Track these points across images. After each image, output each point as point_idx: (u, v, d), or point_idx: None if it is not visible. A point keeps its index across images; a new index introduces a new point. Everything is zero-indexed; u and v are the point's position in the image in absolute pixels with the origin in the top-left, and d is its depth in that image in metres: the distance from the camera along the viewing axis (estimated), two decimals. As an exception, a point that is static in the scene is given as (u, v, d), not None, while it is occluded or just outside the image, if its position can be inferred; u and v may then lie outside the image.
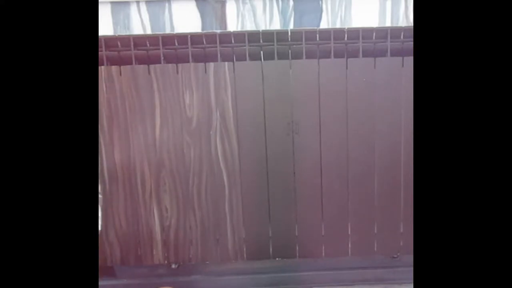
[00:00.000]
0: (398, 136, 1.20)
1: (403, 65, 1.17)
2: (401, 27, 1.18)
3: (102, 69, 1.15)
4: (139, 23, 1.26)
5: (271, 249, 1.24)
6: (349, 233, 1.24)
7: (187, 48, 1.16)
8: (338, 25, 1.28)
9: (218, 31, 1.18)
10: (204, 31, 1.21)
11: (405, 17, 1.28)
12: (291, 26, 1.27)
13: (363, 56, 1.17)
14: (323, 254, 1.25)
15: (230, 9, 1.26)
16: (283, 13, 1.27)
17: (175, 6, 1.26)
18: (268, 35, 1.16)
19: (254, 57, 1.17)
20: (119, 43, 1.16)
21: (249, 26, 1.27)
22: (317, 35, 1.17)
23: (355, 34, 1.16)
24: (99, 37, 1.15)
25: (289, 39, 1.17)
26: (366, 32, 1.16)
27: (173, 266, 1.27)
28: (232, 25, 1.27)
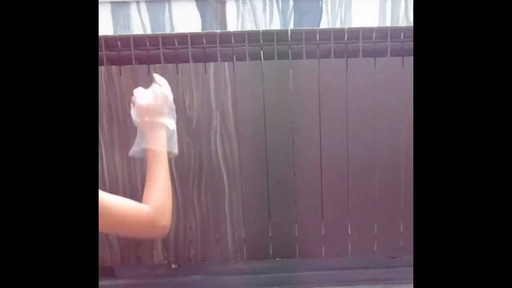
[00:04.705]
0: (398, 136, 1.20)
1: (403, 65, 1.17)
2: (401, 27, 1.18)
3: (102, 69, 1.15)
4: (139, 23, 1.26)
5: (271, 249, 1.24)
6: (349, 233, 1.24)
7: (187, 48, 1.16)
8: (338, 25, 1.28)
9: (218, 31, 1.18)
10: (204, 31, 1.21)
11: (405, 17, 1.28)
12: (291, 26, 1.27)
13: (363, 56, 1.17)
14: (323, 254, 1.25)
15: (230, 9, 1.26)
16: (283, 13, 1.27)
17: (175, 6, 1.25)
18: (268, 35, 1.16)
19: (254, 57, 1.17)
20: (119, 43, 1.16)
21: (249, 26, 1.27)
22: (317, 35, 1.17)
23: (355, 34, 1.16)
24: (99, 37, 1.15)
25: (289, 39, 1.17)
26: (366, 32, 1.16)
27: (173, 266, 1.27)
28: (232, 25, 1.27)
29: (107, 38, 1.16)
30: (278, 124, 1.19)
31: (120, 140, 1.19)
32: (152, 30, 1.26)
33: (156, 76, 0.82)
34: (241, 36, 1.16)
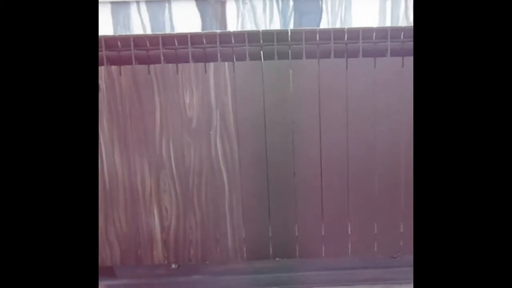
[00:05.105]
0: (398, 136, 1.20)
1: (403, 65, 1.17)
2: (401, 27, 1.18)
3: (102, 69, 1.15)
4: (139, 23, 1.26)
5: (271, 249, 1.24)
6: (349, 233, 1.24)
7: (187, 48, 1.16)
8: (338, 25, 1.28)
9: (218, 31, 1.18)
10: (204, 31, 1.21)
11: (405, 17, 1.28)
12: (291, 26, 1.28)
13: (363, 56, 1.17)
14: (323, 254, 1.25)
15: (230, 9, 1.26)
16: (283, 13, 1.27)
17: (175, 6, 1.26)
18: (268, 35, 1.16)
19: (254, 57, 1.17)
20: (119, 43, 1.16)
21: (249, 26, 1.27)
22: (317, 35, 1.17)
23: (355, 34, 1.16)
24: (99, 37, 1.15)
25: (289, 39, 1.17)
26: (366, 32, 1.16)
27: (173, 266, 1.27)
28: (232, 25, 1.27)
29: (107, 38, 1.16)
30: (278, 124, 1.19)
31: (120, 140, 1.19)
32: (152, 30, 1.26)
33: None
34: (241, 36, 1.16)
